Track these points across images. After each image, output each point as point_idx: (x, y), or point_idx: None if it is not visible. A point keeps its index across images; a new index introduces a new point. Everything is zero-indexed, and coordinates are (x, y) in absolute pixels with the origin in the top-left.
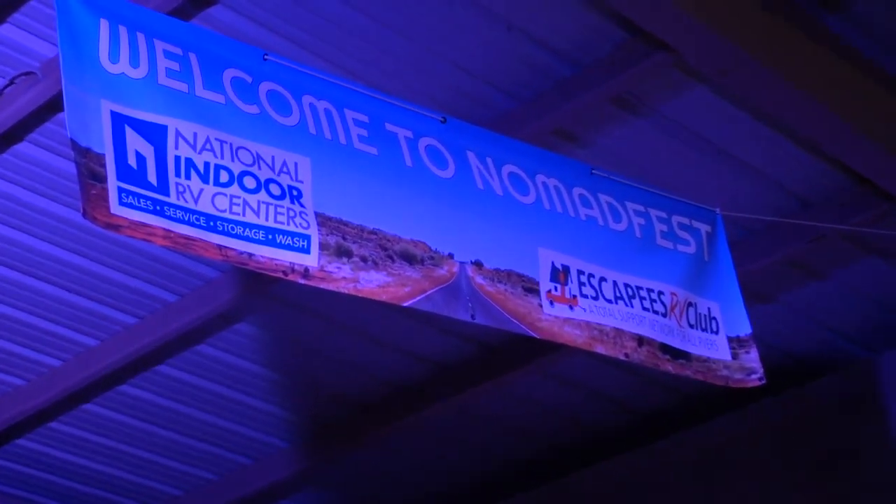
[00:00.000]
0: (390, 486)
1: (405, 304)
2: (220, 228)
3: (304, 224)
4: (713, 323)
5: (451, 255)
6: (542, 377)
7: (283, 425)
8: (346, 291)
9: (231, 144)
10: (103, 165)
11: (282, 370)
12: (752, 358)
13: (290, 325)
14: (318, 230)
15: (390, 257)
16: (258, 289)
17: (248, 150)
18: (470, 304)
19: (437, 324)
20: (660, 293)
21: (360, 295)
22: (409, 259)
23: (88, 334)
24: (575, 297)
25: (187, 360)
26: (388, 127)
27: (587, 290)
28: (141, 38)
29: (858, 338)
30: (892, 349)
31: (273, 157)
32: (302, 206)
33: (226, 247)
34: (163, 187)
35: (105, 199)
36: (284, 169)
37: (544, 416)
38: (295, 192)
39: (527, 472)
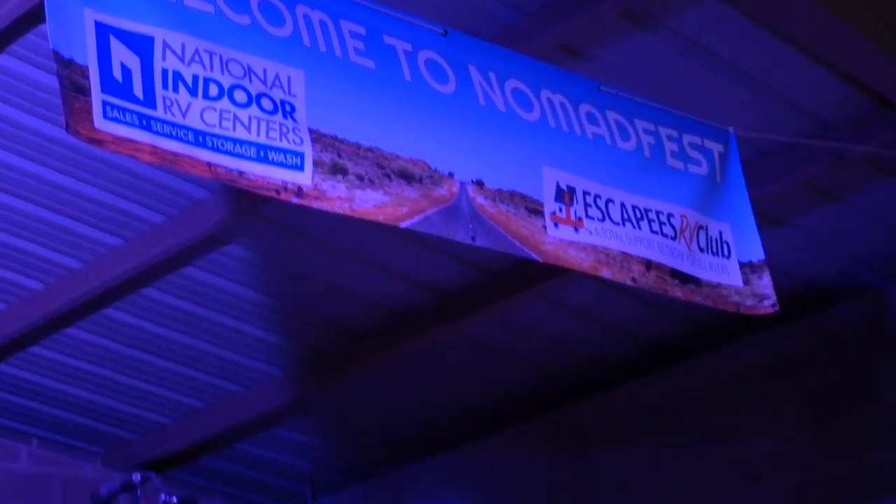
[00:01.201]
0: (386, 415)
1: (403, 226)
2: (210, 144)
3: (298, 140)
4: (724, 247)
5: (451, 175)
6: (545, 304)
7: (275, 352)
8: (342, 212)
9: (221, 56)
10: (87, 77)
11: (273, 295)
12: (764, 284)
13: (282, 248)
14: (312, 147)
15: (388, 176)
16: (249, 210)
17: (238, 62)
18: (471, 226)
19: (437, 247)
20: (669, 215)
21: (355, 215)
22: (408, 178)
23: (72, 256)
24: (580, 219)
25: (175, 284)
26: (386, 39)
27: (593, 212)
28: None
29: (875, 264)
30: None
31: (265, 70)
32: (295, 121)
33: (215, 164)
34: (149, 101)
35: (89, 112)
36: (277, 82)
37: (547, 344)
38: (287, 107)
39: (529, 401)
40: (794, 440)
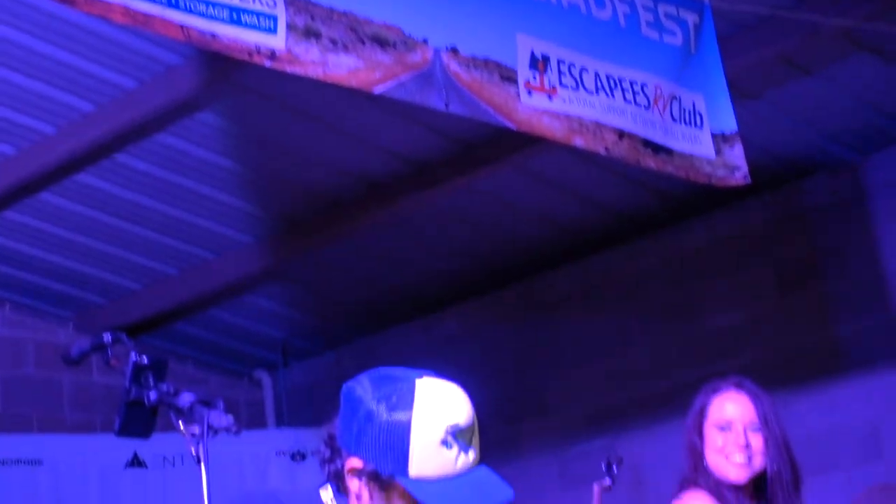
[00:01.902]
0: (358, 283)
1: (376, 91)
2: (182, 6)
3: (271, 3)
4: (697, 118)
5: (425, 41)
6: (517, 175)
7: (247, 220)
8: (315, 76)
9: None
10: None
11: (247, 163)
12: (736, 155)
13: (256, 115)
14: (286, 10)
15: (361, 41)
16: (222, 76)
17: None
18: (444, 92)
19: (411, 116)
20: (643, 85)
21: (328, 80)
22: (381, 43)
23: (45, 121)
24: (554, 87)
25: (147, 150)
26: None
27: (567, 81)
28: None
29: (847, 139)
30: (880, 151)
31: None
32: None
33: (188, 25)
34: None
35: None
36: None
37: (519, 214)
38: None
39: (499, 270)
40: (762, 312)
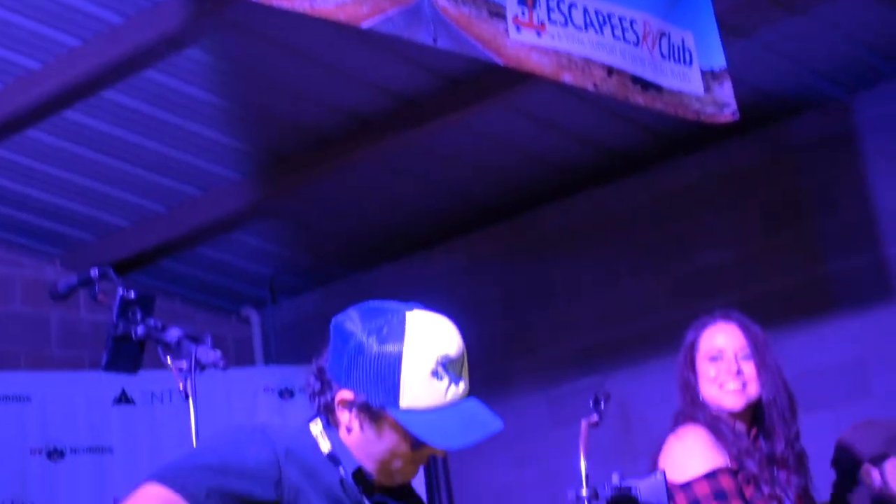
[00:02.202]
0: (346, 220)
1: (364, 25)
2: None
3: None
4: (686, 54)
5: None
6: (506, 112)
7: (235, 156)
8: (302, 10)
9: None
10: None
11: (235, 99)
12: (725, 92)
13: (243, 51)
14: None
15: None
16: (210, 11)
17: None
18: (433, 27)
19: (400, 52)
20: (632, 21)
21: (316, 14)
22: None
23: (30, 56)
24: (543, 23)
25: (134, 86)
26: None
27: (556, 16)
28: None
29: (836, 77)
30: (870, 89)
31: None
32: None
33: None
34: None
35: None
36: None
37: (508, 152)
38: None
39: (489, 207)
40: (751, 251)
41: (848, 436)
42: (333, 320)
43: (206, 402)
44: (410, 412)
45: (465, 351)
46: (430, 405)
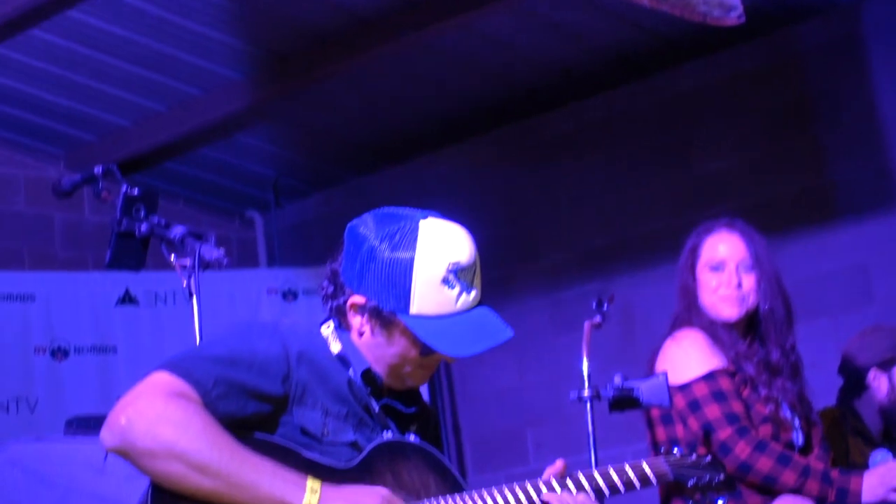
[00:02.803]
0: (350, 122)
1: None
2: None
3: None
4: None
5: None
6: (512, 15)
7: (237, 56)
8: None
9: None
10: None
11: None
12: None
13: None
14: None
15: None
16: None
17: None
18: None
19: None
20: None
21: None
22: None
23: None
24: None
25: None
26: None
27: None
28: None
29: None
30: None
31: None
32: None
33: None
34: None
35: None
36: None
37: (513, 55)
38: None
39: (493, 111)
40: (754, 157)
41: (855, 342)
42: (348, 225)
43: (210, 303)
44: (420, 319)
45: (477, 260)
46: (440, 312)
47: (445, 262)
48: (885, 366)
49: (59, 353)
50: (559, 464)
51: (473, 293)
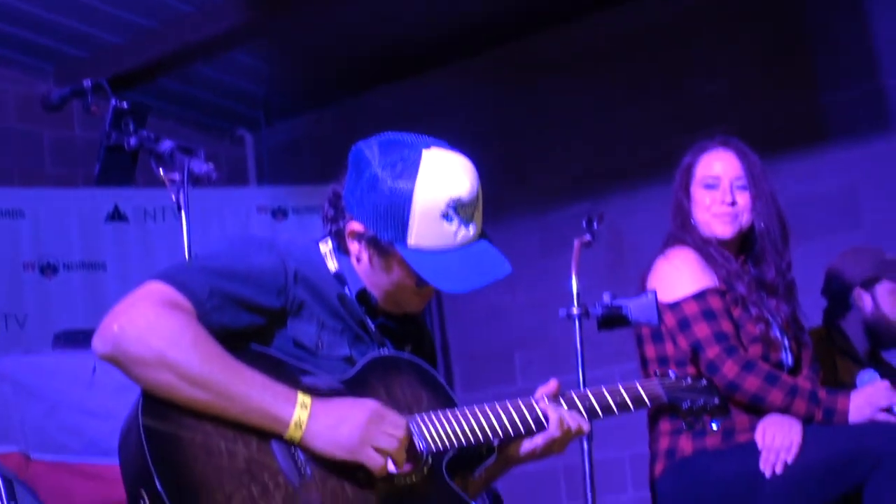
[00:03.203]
0: (341, 41)
1: None
2: None
3: None
4: None
5: None
6: None
7: None
8: None
9: None
10: None
11: None
12: None
13: None
14: None
15: None
16: None
17: None
18: None
19: None
20: None
21: None
22: None
23: None
24: None
25: None
26: None
27: None
28: None
29: None
30: None
31: None
32: None
33: None
34: None
35: None
36: None
37: None
38: None
39: (485, 31)
40: (748, 80)
41: (838, 262)
42: (354, 147)
43: (200, 220)
44: (418, 251)
45: (479, 194)
46: (437, 246)
47: (445, 197)
48: (867, 284)
49: (49, 269)
50: (552, 383)
51: (473, 228)
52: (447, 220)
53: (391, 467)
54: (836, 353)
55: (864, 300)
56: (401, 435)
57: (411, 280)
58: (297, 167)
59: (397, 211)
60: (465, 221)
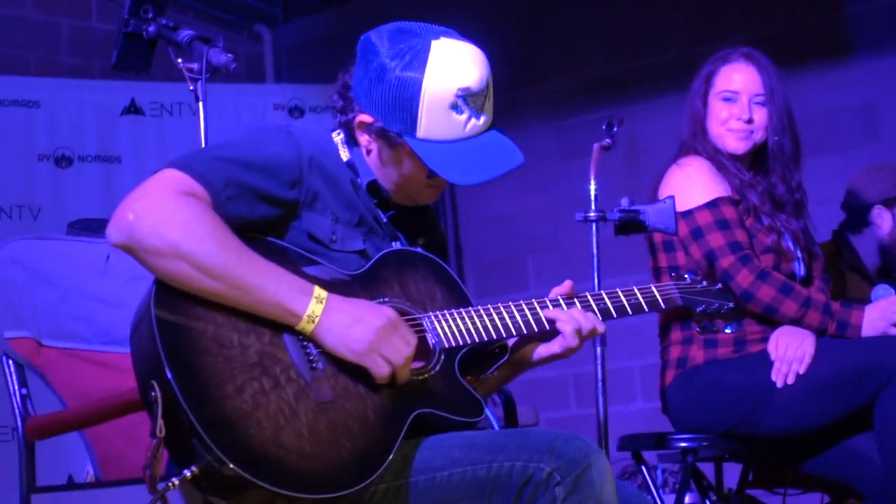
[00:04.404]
0: None
1: None
2: None
3: None
4: None
5: None
6: None
7: None
8: None
9: None
10: None
11: None
12: None
13: None
14: None
15: None
16: None
17: None
18: None
19: None
20: None
21: None
22: None
23: None
24: None
25: None
26: None
27: None
28: None
29: None
30: None
31: None
32: None
33: None
34: None
35: None
36: None
37: None
38: None
39: None
40: None
41: (860, 178)
42: (363, 36)
43: (216, 116)
44: (427, 143)
45: (490, 83)
46: (447, 137)
47: (454, 87)
48: (889, 203)
49: (63, 160)
50: (567, 284)
51: (483, 119)
52: (457, 111)
53: (404, 371)
54: (846, 269)
55: (884, 218)
56: (409, 351)
57: (421, 172)
58: (315, 65)
59: (406, 102)
60: (476, 112)
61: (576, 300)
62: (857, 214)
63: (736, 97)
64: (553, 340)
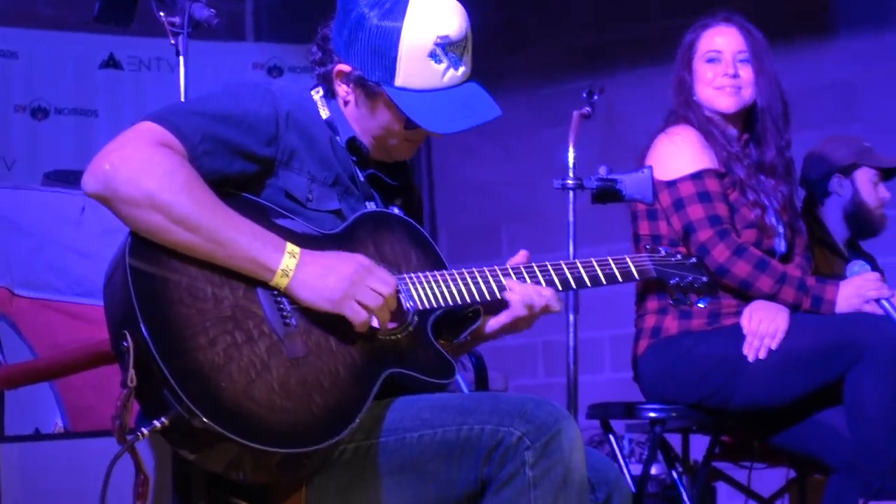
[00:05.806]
0: None
1: None
2: None
3: None
4: None
5: None
6: None
7: None
8: None
9: None
10: None
11: None
12: None
13: None
14: None
15: None
16: None
17: None
18: None
19: None
20: None
21: None
22: None
23: None
24: None
25: None
26: None
27: None
28: None
29: None
30: None
31: None
32: None
33: None
34: None
35: None
36: None
37: None
38: None
39: None
40: None
41: (817, 148)
42: None
43: (195, 73)
44: (405, 91)
45: (469, 35)
46: (425, 86)
47: (433, 35)
48: (847, 171)
49: (40, 112)
50: (521, 254)
51: (462, 69)
52: (435, 59)
53: (374, 323)
54: (815, 244)
55: (844, 186)
56: (387, 292)
57: (399, 122)
58: (295, 25)
59: (384, 50)
60: (455, 61)
61: (525, 273)
62: (816, 186)
63: (719, 56)
64: (503, 315)
